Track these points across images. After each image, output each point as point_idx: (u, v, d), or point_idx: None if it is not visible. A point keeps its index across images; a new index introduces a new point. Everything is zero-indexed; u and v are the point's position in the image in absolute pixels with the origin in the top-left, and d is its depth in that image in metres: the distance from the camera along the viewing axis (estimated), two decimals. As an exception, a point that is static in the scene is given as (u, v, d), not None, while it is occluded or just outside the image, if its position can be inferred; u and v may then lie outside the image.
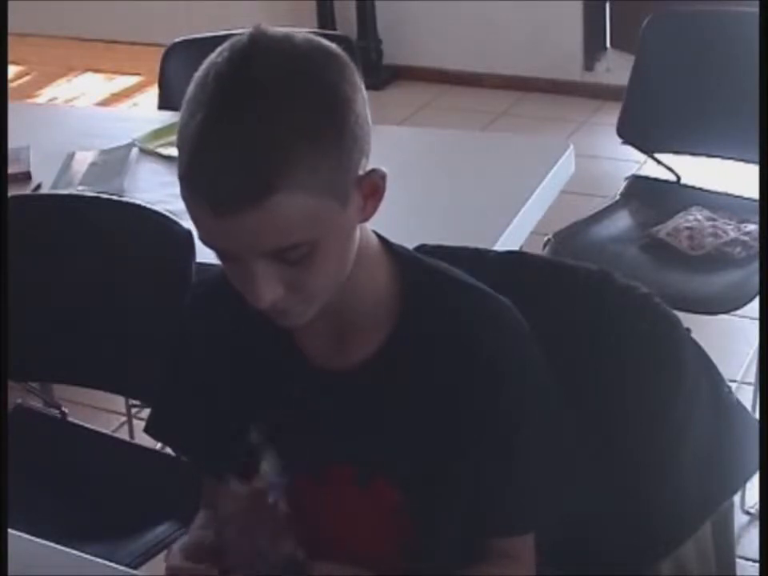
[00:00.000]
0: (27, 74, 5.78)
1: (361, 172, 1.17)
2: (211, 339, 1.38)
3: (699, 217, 2.67)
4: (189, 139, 1.12)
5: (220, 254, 1.19)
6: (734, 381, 2.89)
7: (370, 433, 1.32)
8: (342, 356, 1.31)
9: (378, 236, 1.31)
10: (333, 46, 1.18)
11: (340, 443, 1.32)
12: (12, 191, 2.36)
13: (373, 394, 1.31)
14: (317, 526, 1.38)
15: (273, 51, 1.14)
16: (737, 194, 2.81)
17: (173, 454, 1.98)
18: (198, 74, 1.15)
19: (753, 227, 2.60)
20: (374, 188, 1.19)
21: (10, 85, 5.26)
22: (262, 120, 1.10)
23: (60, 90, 5.58)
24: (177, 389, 1.44)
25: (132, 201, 2.22)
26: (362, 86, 1.18)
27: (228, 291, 1.25)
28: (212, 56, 1.15)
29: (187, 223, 1.99)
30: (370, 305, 1.30)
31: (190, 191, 1.13)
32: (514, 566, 1.34)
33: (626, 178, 2.96)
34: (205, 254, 1.56)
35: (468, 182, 2.46)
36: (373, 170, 1.19)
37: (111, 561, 1.52)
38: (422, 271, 1.31)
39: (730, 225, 2.63)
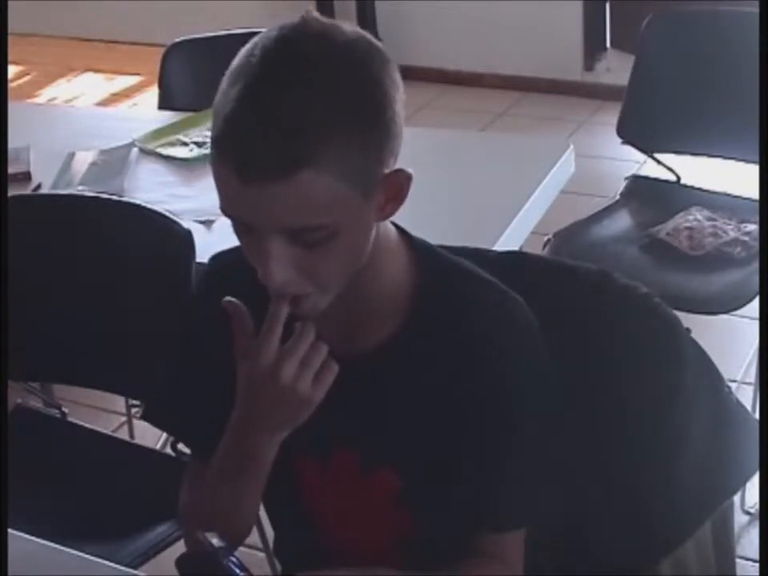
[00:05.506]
0: (27, 73, 5.78)
1: (387, 171, 1.17)
2: (220, 323, 1.36)
3: (699, 217, 2.66)
4: (226, 104, 1.12)
5: (239, 225, 1.18)
6: (734, 381, 2.89)
7: (375, 420, 1.32)
8: (354, 343, 1.31)
9: (399, 228, 1.31)
10: (379, 42, 1.18)
11: (346, 429, 1.33)
12: (12, 191, 2.36)
13: (381, 382, 1.31)
14: (319, 512, 1.39)
15: (322, 34, 1.14)
16: (737, 194, 2.80)
17: (173, 454, 1.98)
18: (244, 49, 1.15)
19: (753, 227, 2.60)
20: (397, 189, 1.19)
21: (10, 85, 5.25)
22: (302, 95, 1.10)
23: (60, 90, 5.58)
24: (182, 371, 1.42)
25: (132, 201, 2.21)
26: (402, 87, 1.18)
27: (240, 273, 1.25)
28: (260, 35, 1.16)
29: (187, 223, 2.01)
30: (385, 295, 1.30)
31: (219, 155, 1.13)
32: (500, 568, 1.33)
33: (626, 178, 2.96)
34: (205, 254, 1.56)
35: (468, 181, 2.46)
36: (400, 170, 1.19)
37: (111, 561, 1.52)
38: (438, 264, 1.32)
39: (730, 225, 2.63)
